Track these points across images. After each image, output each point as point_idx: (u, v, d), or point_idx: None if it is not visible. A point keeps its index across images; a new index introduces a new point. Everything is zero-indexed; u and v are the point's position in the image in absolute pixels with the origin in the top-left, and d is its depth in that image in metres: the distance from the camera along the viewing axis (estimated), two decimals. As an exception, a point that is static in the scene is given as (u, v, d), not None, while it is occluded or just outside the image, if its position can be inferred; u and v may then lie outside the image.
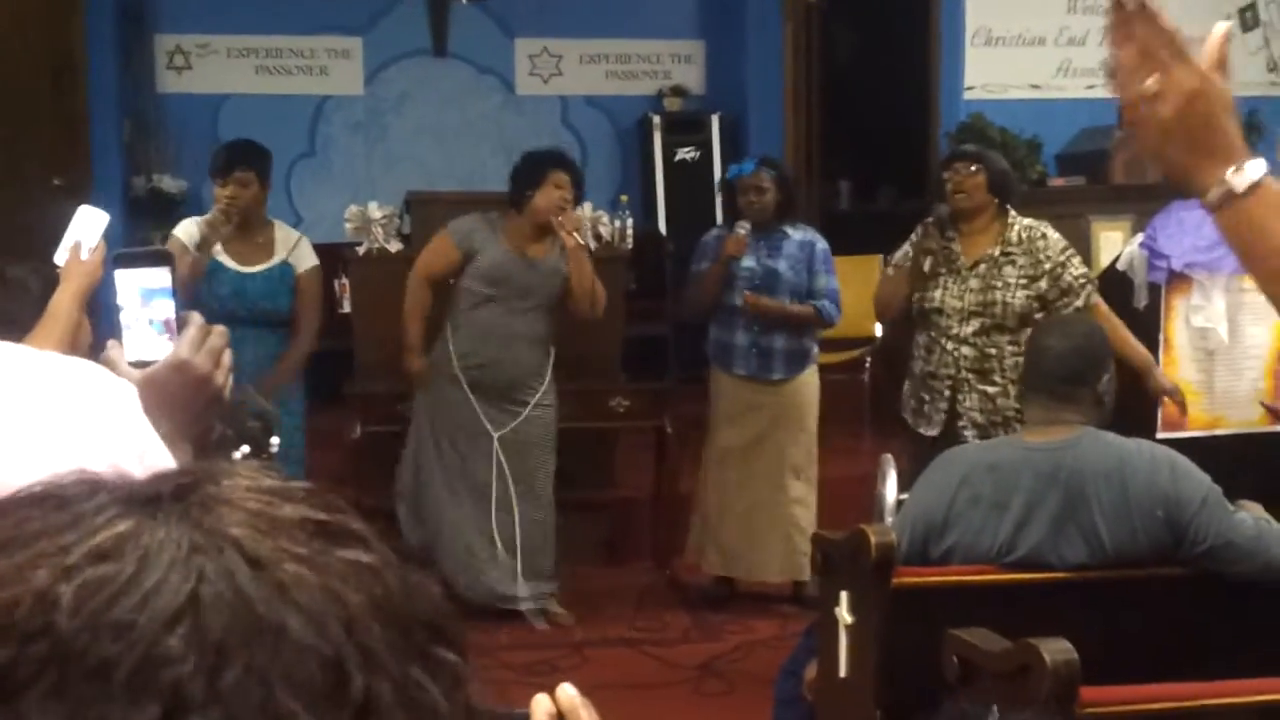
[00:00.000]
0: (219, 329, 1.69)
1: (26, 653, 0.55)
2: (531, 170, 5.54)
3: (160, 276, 1.69)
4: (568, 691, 0.96)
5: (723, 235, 5.85)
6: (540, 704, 0.97)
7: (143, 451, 1.34)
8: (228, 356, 1.69)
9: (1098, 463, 3.32)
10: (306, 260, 5.40)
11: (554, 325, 5.67)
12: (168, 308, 1.69)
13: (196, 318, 1.68)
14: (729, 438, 5.88)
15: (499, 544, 5.58)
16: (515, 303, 5.55)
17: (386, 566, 0.63)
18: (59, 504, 0.62)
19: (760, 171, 5.79)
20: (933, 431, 5.08)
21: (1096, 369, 3.52)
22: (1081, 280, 5.00)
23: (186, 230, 5.15)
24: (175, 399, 1.59)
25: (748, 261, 5.75)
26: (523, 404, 5.59)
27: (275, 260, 5.30)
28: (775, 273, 5.77)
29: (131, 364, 1.63)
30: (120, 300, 1.68)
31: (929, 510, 3.42)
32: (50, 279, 3.03)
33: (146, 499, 0.62)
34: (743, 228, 5.68)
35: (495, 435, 5.56)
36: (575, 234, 5.42)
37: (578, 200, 5.63)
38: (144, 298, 1.69)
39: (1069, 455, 3.35)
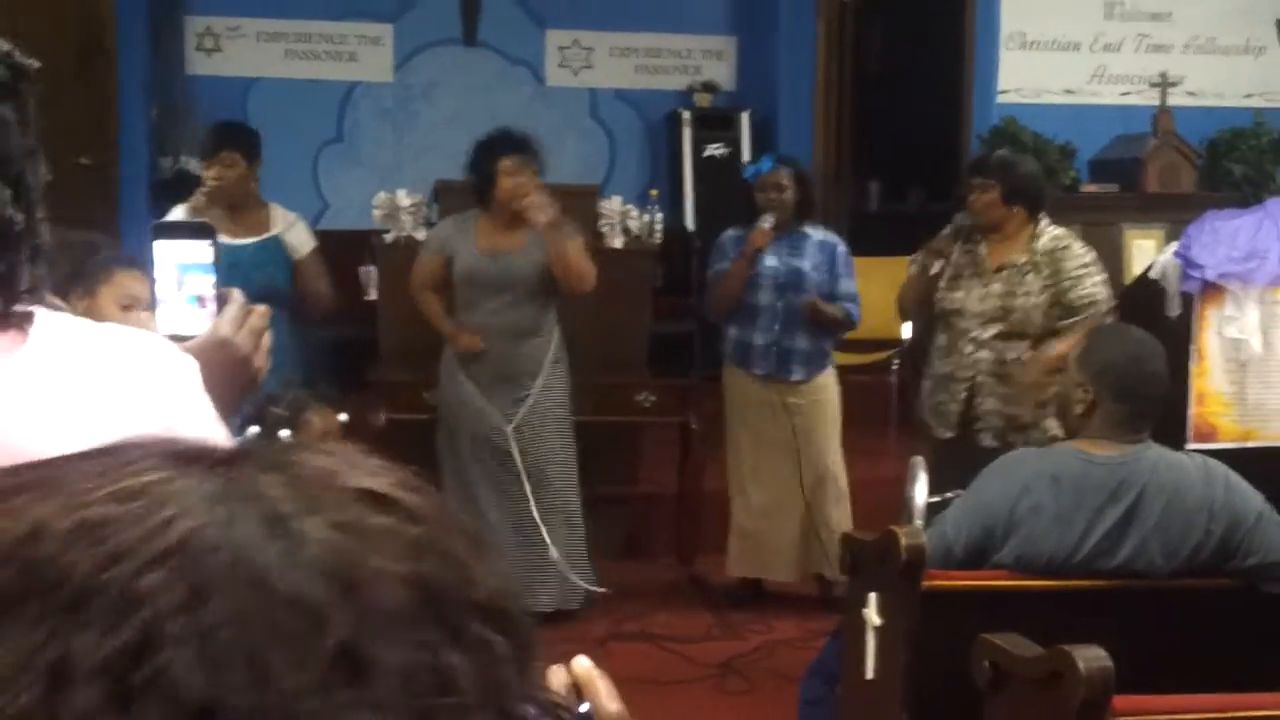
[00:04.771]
0: (260, 309, 1.63)
1: (14, 577, 0.56)
2: (482, 164, 5.43)
3: (200, 249, 1.64)
4: (583, 663, 0.96)
5: (740, 236, 5.79)
6: (556, 675, 0.98)
7: (202, 430, 1.31)
8: (267, 338, 1.64)
9: (1159, 477, 3.35)
10: (305, 243, 5.40)
11: (549, 314, 5.57)
12: (207, 282, 1.63)
13: (238, 295, 1.62)
14: (753, 439, 5.81)
15: (529, 542, 5.45)
16: (495, 300, 5.47)
17: (432, 542, 0.61)
18: (102, 456, 0.63)
19: (779, 169, 5.75)
20: (948, 433, 5.06)
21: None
22: (1085, 300, 4.97)
23: (178, 216, 5.13)
24: (214, 378, 1.54)
25: (770, 261, 5.69)
26: (525, 394, 5.50)
27: (269, 234, 5.30)
28: (800, 272, 5.71)
29: (167, 338, 1.57)
30: (158, 272, 1.63)
31: (988, 514, 3.39)
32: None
33: (192, 458, 0.62)
34: (766, 221, 5.62)
35: (508, 428, 5.47)
36: (542, 212, 5.24)
37: (540, 172, 5.41)
38: (183, 270, 1.63)
39: (1132, 470, 3.36)
